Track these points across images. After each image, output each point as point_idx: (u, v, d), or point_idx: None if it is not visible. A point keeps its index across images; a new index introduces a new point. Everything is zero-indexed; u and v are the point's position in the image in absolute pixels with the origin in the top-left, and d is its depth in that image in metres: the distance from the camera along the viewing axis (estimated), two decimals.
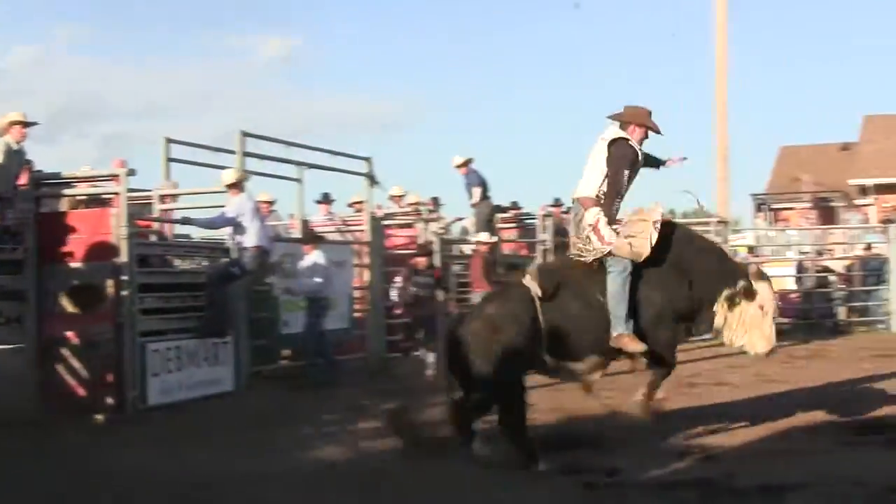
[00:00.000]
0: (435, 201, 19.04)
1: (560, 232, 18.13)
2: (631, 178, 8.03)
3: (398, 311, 14.16)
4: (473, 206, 16.67)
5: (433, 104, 74.17)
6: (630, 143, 7.99)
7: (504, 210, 19.05)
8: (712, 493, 6.59)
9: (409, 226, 16.49)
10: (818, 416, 8.80)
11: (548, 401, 11.02)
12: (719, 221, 20.48)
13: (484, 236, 16.62)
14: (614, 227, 7.81)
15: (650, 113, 8.17)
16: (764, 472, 7.12)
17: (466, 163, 16.54)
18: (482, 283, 15.72)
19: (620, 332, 7.72)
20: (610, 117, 8.18)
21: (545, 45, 70.34)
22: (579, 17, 73.57)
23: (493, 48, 76.98)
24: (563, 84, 77.08)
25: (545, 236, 17.45)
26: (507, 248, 18.06)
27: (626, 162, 7.93)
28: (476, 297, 15.61)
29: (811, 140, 41.53)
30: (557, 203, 20.00)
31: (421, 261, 14.07)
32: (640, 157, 8.09)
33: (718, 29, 21.14)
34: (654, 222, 7.76)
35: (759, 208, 32.91)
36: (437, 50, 72.83)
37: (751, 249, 21.24)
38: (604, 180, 7.93)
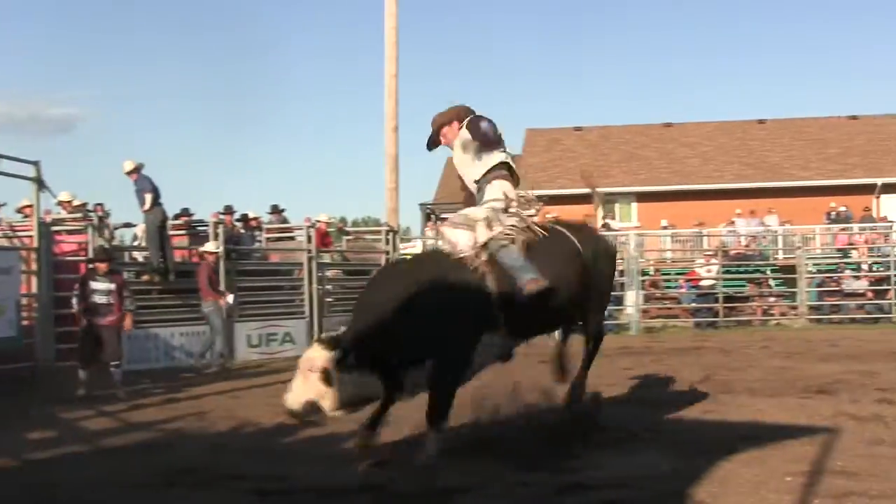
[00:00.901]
0: (101, 206, 19.51)
1: (231, 239, 19.11)
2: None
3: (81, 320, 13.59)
4: (145, 212, 17.05)
5: (104, 107, 72.06)
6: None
7: (175, 217, 19.58)
8: (382, 498, 6.95)
9: (79, 232, 16.78)
10: (488, 418, 8.95)
11: (221, 408, 11.95)
12: (389, 230, 22.25)
13: (211, 246, 17.38)
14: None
15: (455, 113, 8.72)
16: (436, 474, 7.42)
17: (137, 168, 16.81)
18: (209, 293, 16.56)
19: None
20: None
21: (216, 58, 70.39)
22: (256, 20, 73.96)
23: (167, 50, 76.04)
24: (234, 92, 77.40)
25: (217, 243, 18.17)
26: (178, 256, 18.58)
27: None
28: (206, 306, 16.47)
29: None
30: (229, 210, 20.90)
31: (100, 266, 13.68)
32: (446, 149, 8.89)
33: (388, 42, 22.57)
34: None
35: (428, 217, 35.21)
36: (108, 50, 70.98)
37: None
38: None
